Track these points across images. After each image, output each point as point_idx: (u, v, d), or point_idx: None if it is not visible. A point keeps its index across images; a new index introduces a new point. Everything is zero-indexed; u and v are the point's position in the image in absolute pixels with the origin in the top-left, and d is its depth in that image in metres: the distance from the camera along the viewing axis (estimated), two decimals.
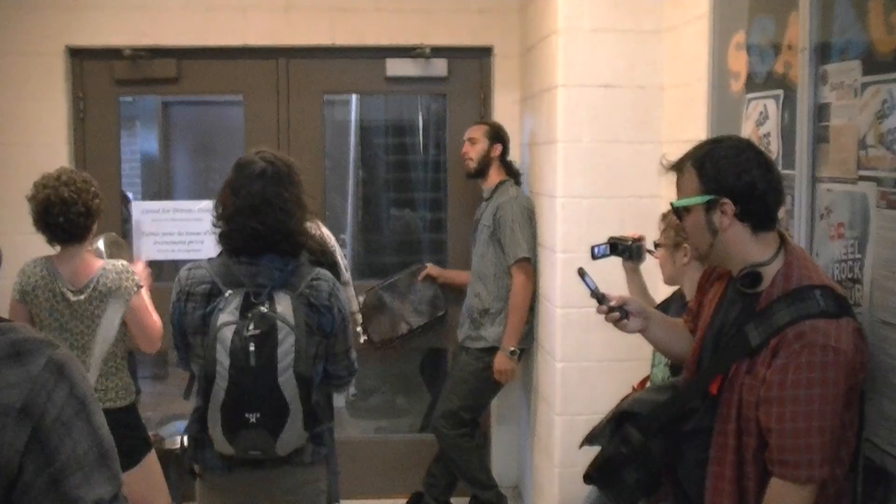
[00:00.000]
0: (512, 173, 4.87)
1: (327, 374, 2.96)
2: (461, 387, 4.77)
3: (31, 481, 1.31)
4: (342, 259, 4.30)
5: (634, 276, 3.45)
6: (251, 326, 2.67)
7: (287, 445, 2.75)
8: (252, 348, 2.65)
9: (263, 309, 2.69)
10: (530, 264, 4.59)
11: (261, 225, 2.79)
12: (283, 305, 2.72)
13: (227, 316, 2.71)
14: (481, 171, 4.83)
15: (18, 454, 1.30)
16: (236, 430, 2.70)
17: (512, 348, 4.61)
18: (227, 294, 2.75)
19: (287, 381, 2.66)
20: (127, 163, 6.92)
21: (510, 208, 4.60)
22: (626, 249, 3.39)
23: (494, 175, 4.82)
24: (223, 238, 2.86)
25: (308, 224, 4.10)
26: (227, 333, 2.68)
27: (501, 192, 4.73)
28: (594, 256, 3.37)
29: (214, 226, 2.88)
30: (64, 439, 1.33)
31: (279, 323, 2.68)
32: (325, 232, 4.21)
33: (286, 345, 2.67)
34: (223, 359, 2.67)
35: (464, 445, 4.76)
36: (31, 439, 1.31)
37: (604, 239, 3.50)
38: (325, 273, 2.89)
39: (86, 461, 1.35)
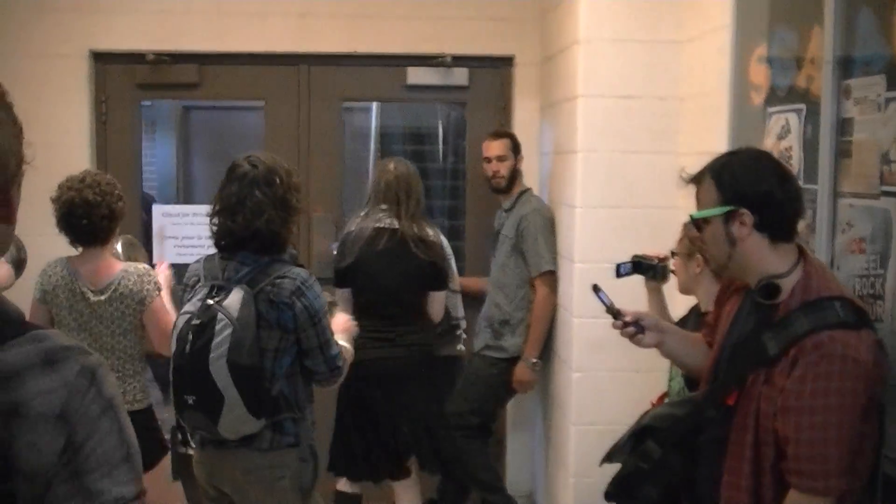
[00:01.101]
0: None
1: (307, 369, 3.11)
2: (471, 390, 4.77)
3: (57, 475, 1.33)
4: (454, 268, 4.41)
5: (656, 296, 3.44)
6: (195, 318, 2.93)
7: (232, 429, 2.95)
8: (190, 337, 2.92)
9: (210, 301, 2.94)
10: (554, 276, 4.59)
11: (233, 224, 3.01)
12: (233, 299, 2.92)
13: (189, 306, 3.01)
14: (509, 185, 4.81)
15: (55, 459, 1.31)
16: (182, 410, 3.00)
17: (534, 360, 4.60)
18: (198, 286, 3.06)
19: (219, 370, 2.86)
20: (147, 166, 6.97)
21: (534, 220, 4.60)
22: (650, 269, 3.38)
23: (516, 185, 4.82)
24: (211, 235, 3.12)
25: (428, 230, 4.24)
26: (181, 322, 3.00)
27: (523, 203, 4.72)
28: (619, 275, 3.35)
29: (210, 224, 3.13)
30: (91, 435, 1.35)
31: (219, 315, 2.89)
32: (443, 240, 4.38)
33: (221, 336, 2.87)
34: (173, 344, 3.00)
35: (467, 446, 4.75)
36: (66, 444, 1.33)
37: (621, 250, 3.49)
38: (295, 272, 3.02)
39: (111, 458, 1.37)
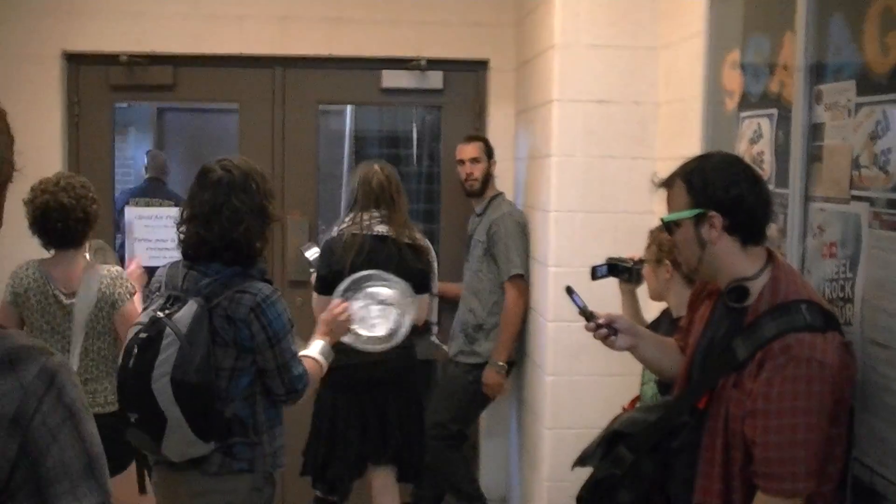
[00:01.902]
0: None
1: (267, 389, 2.92)
2: (450, 399, 4.77)
3: (17, 488, 1.29)
4: (436, 271, 4.37)
5: (630, 298, 3.46)
6: (143, 331, 2.76)
7: (176, 451, 2.78)
8: (135, 351, 2.74)
9: (160, 314, 2.76)
10: (524, 280, 4.60)
11: (207, 233, 2.84)
12: (185, 313, 2.74)
13: (143, 317, 2.85)
14: (482, 189, 4.84)
15: (9, 464, 1.28)
16: (127, 427, 2.82)
17: (501, 362, 4.61)
18: (155, 295, 2.91)
19: (161, 389, 2.67)
20: (120, 168, 6.91)
21: (504, 224, 4.62)
22: (625, 270, 3.40)
23: (489, 190, 4.85)
24: (179, 245, 2.95)
25: (417, 234, 4.18)
26: (130, 333, 2.82)
27: (495, 207, 4.75)
28: (594, 276, 3.37)
29: (178, 232, 2.95)
30: (50, 446, 1.31)
31: (167, 330, 2.71)
32: (429, 244, 4.30)
33: (168, 352, 2.69)
34: (119, 356, 2.85)
35: (449, 456, 4.75)
36: (20, 448, 1.29)
37: (597, 255, 3.50)
38: (256, 287, 2.83)
39: (72, 470, 1.33)
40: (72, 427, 1.34)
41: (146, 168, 6.35)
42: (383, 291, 3.88)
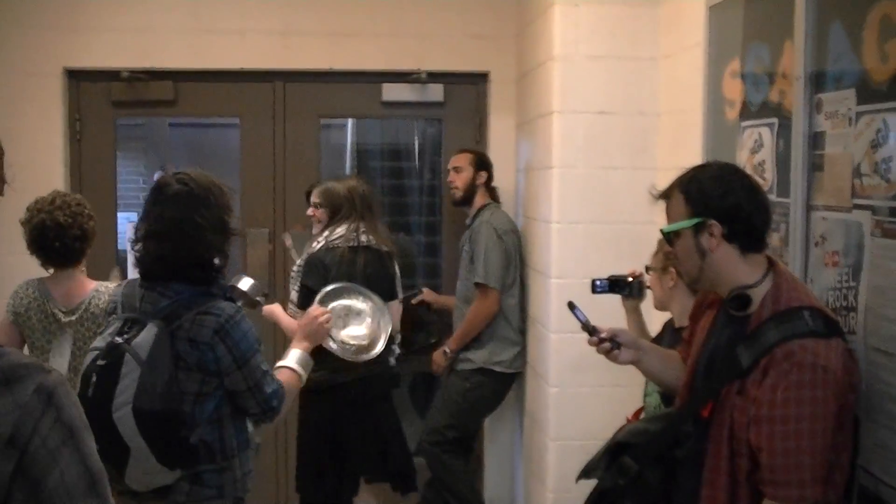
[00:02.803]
0: (494, 198, 4.92)
1: (240, 410, 2.77)
2: (448, 406, 4.79)
3: None
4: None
5: (634, 316, 3.44)
6: (101, 357, 2.60)
7: (141, 481, 2.62)
8: (94, 379, 2.58)
9: (119, 339, 2.60)
10: (490, 289, 4.64)
11: (165, 250, 2.67)
12: (145, 338, 2.58)
13: (98, 341, 2.68)
14: (467, 199, 4.90)
15: (5, 484, 1.27)
16: None
17: (449, 350, 4.74)
18: (111, 318, 2.75)
19: (123, 418, 2.52)
20: (128, 183, 6.95)
21: (481, 232, 4.68)
22: (625, 286, 3.39)
23: (479, 200, 4.87)
24: (136, 262, 2.77)
25: (390, 241, 4.18)
26: (88, 359, 2.66)
27: (479, 216, 4.79)
28: (594, 291, 3.36)
29: (132, 250, 2.79)
30: (51, 468, 1.30)
31: (127, 356, 2.56)
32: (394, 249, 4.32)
33: (128, 380, 2.53)
34: (77, 382, 2.66)
35: (448, 462, 4.75)
36: (16, 468, 1.27)
37: (599, 266, 3.50)
38: (219, 307, 2.67)
39: (74, 490, 1.32)
40: (73, 447, 1.33)
41: None
42: (358, 304, 3.89)
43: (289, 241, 4.92)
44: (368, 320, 3.87)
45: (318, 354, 3.98)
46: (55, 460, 1.31)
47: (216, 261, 2.74)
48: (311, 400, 4.04)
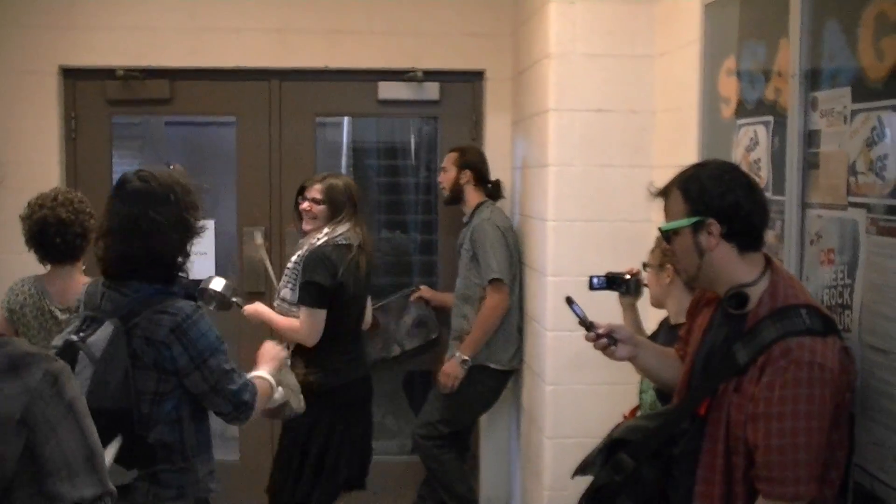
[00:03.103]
0: (493, 193, 4.90)
1: (216, 413, 2.74)
2: (442, 400, 4.77)
3: (19, 480, 1.32)
4: None
5: (631, 313, 3.45)
6: (56, 355, 2.59)
7: None
8: None
9: (73, 338, 2.60)
10: (504, 285, 4.60)
11: (125, 248, 2.64)
12: (100, 336, 2.57)
13: (56, 340, 2.68)
14: (455, 198, 4.90)
15: (15, 462, 1.31)
16: None
17: (466, 357, 4.62)
18: (72, 316, 2.77)
19: None
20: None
21: (484, 229, 4.65)
22: (623, 283, 3.40)
23: (472, 198, 4.86)
24: (98, 262, 2.74)
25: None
26: None
27: (478, 214, 4.78)
28: (592, 287, 3.37)
29: (94, 248, 2.77)
30: (48, 437, 1.35)
31: (81, 354, 2.55)
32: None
33: (81, 377, 2.49)
34: None
35: (440, 456, 4.76)
36: (25, 446, 1.32)
37: (595, 264, 3.51)
38: (176, 306, 2.62)
39: (72, 460, 1.36)
40: (72, 421, 1.39)
41: None
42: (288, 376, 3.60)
43: (259, 240, 4.89)
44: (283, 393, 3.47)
45: (310, 356, 4.00)
46: (53, 430, 1.36)
47: (178, 259, 2.70)
48: (307, 402, 4.00)
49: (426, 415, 4.83)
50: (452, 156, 4.91)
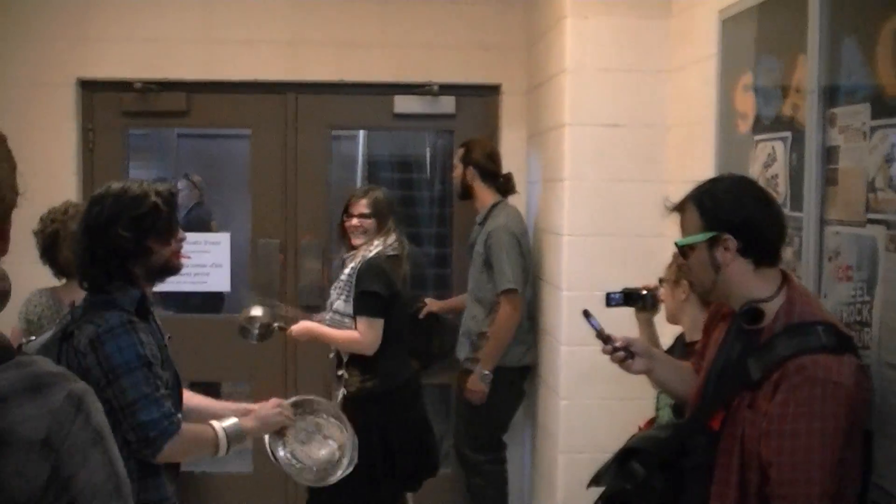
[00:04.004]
0: (504, 189, 4.84)
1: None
2: (471, 410, 4.74)
3: None
4: None
5: (647, 327, 3.43)
6: None
7: None
8: None
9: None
10: (517, 294, 4.58)
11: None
12: (37, 342, 2.61)
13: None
14: (465, 194, 4.89)
15: (41, 488, 1.31)
16: None
17: (486, 372, 4.59)
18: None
19: None
20: None
21: (498, 237, 4.58)
22: (639, 299, 3.39)
23: (484, 197, 4.80)
24: None
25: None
26: None
27: (494, 217, 4.71)
28: (609, 304, 3.36)
29: None
30: (80, 468, 1.34)
31: None
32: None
33: None
34: None
35: (487, 471, 4.77)
36: (53, 471, 1.31)
37: (610, 278, 3.50)
38: (103, 317, 2.56)
39: (102, 491, 1.36)
40: (101, 449, 1.38)
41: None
42: (333, 430, 3.44)
43: (256, 312, 4.34)
44: (333, 449, 3.39)
45: (366, 364, 4.10)
46: (85, 459, 1.35)
47: (104, 271, 2.64)
48: (365, 409, 4.03)
49: (466, 430, 4.81)
50: (459, 152, 4.90)
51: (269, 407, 3.04)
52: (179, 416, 2.65)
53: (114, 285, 2.64)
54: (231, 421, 2.79)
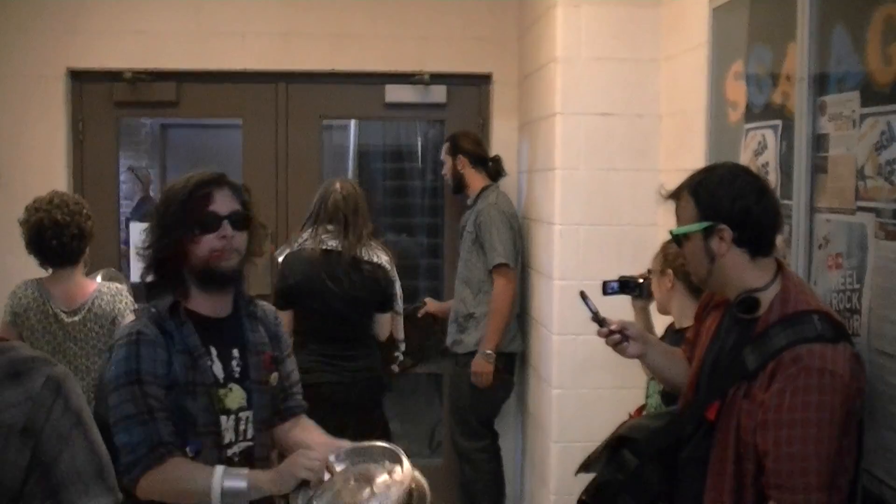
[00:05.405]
0: (494, 173, 4.89)
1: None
2: (463, 399, 4.76)
3: (32, 494, 1.33)
4: (398, 290, 4.38)
5: (642, 315, 3.44)
6: None
7: None
8: None
9: None
10: (510, 269, 4.60)
11: None
12: None
13: None
14: (459, 186, 4.93)
15: (22, 472, 1.31)
16: None
17: (489, 351, 4.60)
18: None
19: None
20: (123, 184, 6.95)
21: (488, 214, 4.64)
22: (636, 287, 3.40)
23: (475, 182, 4.86)
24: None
25: (374, 252, 4.17)
26: None
27: (483, 198, 4.77)
28: (605, 292, 3.36)
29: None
30: (62, 452, 1.35)
31: None
32: (385, 262, 4.28)
33: None
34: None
35: (480, 462, 4.79)
36: (33, 456, 1.31)
37: (601, 268, 3.50)
38: (128, 323, 2.46)
39: (84, 473, 1.37)
40: (81, 432, 1.39)
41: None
42: (385, 481, 2.39)
43: None
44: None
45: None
46: (66, 444, 1.35)
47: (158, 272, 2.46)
48: None
49: (456, 417, 4.83)
50: (445, 146, 4.94)
51: (306, 459, 2.31)
52: (191, 447, 2.32)
53: (157, 290, 2.45)
54: (239, 472, 2.27)
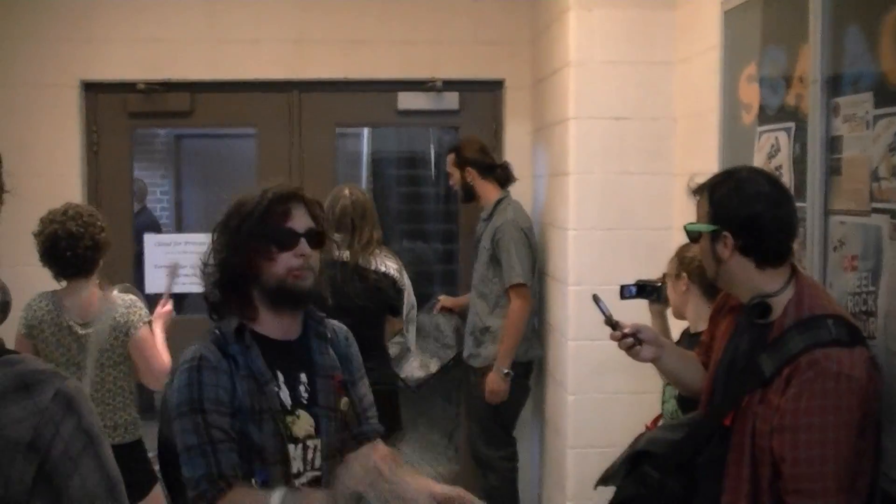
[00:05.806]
0: (504, 180, 4.83)
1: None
2: (481, 405, 4.74)
3: None
4: (412, 298, 4.37)
5: (659, 320, 3.42)
6: None
7: None
8: None
9: None
10: (527, 289, 4.57)
11: None
12: None
13: None
14: (469, 197, 4.90)
15: (27, 490, 1.28)
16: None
17: (505, 369, 4.57)
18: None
19: None
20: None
21: (506, 231, 4.59)
22: (654, 290, 3.38)
23: (489, 193, 4.81)
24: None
25: (381, 261, 4.16)
26: None
27: (500, 212, 4.71)
28: (623, 296, 3.35)
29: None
30: (72, 474, 1.32)
31: None
32: (392, 270, 4.27)
33: None
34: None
35: (503, 467, 4.76)
36: (38, 474, 1.29)
37: (617, 272, 3.49)
38: (193, 347, 2.28)
39: (95, 495, 1.34)
40: (93, 453, 1.35)
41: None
42: None
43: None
44: None
45: None
46: (77, 467, 1.32)
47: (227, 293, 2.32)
48: None
49: (477, 426, 4.82)
50: (450, 157, 4.91)
51: (367, 458, 2.05)
52: (259, 476, 2.19)
53: (222, 309, 2.31)
54: (297, 493, 2.13)
